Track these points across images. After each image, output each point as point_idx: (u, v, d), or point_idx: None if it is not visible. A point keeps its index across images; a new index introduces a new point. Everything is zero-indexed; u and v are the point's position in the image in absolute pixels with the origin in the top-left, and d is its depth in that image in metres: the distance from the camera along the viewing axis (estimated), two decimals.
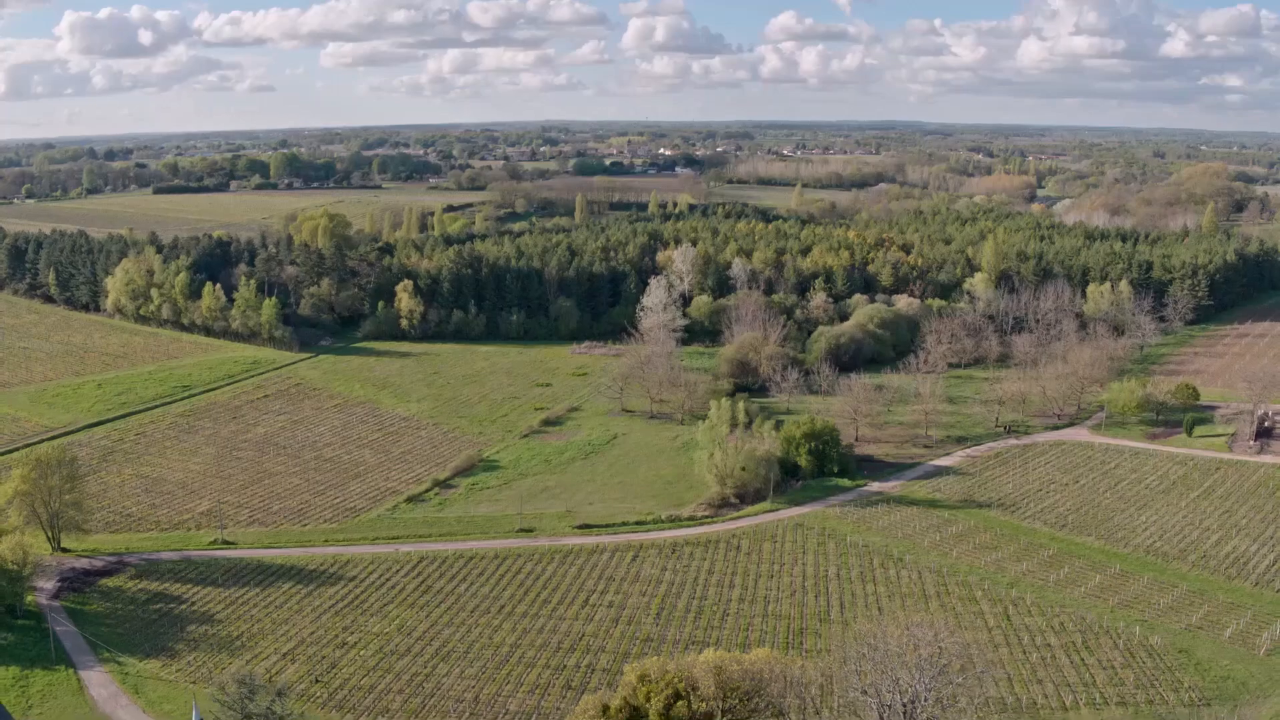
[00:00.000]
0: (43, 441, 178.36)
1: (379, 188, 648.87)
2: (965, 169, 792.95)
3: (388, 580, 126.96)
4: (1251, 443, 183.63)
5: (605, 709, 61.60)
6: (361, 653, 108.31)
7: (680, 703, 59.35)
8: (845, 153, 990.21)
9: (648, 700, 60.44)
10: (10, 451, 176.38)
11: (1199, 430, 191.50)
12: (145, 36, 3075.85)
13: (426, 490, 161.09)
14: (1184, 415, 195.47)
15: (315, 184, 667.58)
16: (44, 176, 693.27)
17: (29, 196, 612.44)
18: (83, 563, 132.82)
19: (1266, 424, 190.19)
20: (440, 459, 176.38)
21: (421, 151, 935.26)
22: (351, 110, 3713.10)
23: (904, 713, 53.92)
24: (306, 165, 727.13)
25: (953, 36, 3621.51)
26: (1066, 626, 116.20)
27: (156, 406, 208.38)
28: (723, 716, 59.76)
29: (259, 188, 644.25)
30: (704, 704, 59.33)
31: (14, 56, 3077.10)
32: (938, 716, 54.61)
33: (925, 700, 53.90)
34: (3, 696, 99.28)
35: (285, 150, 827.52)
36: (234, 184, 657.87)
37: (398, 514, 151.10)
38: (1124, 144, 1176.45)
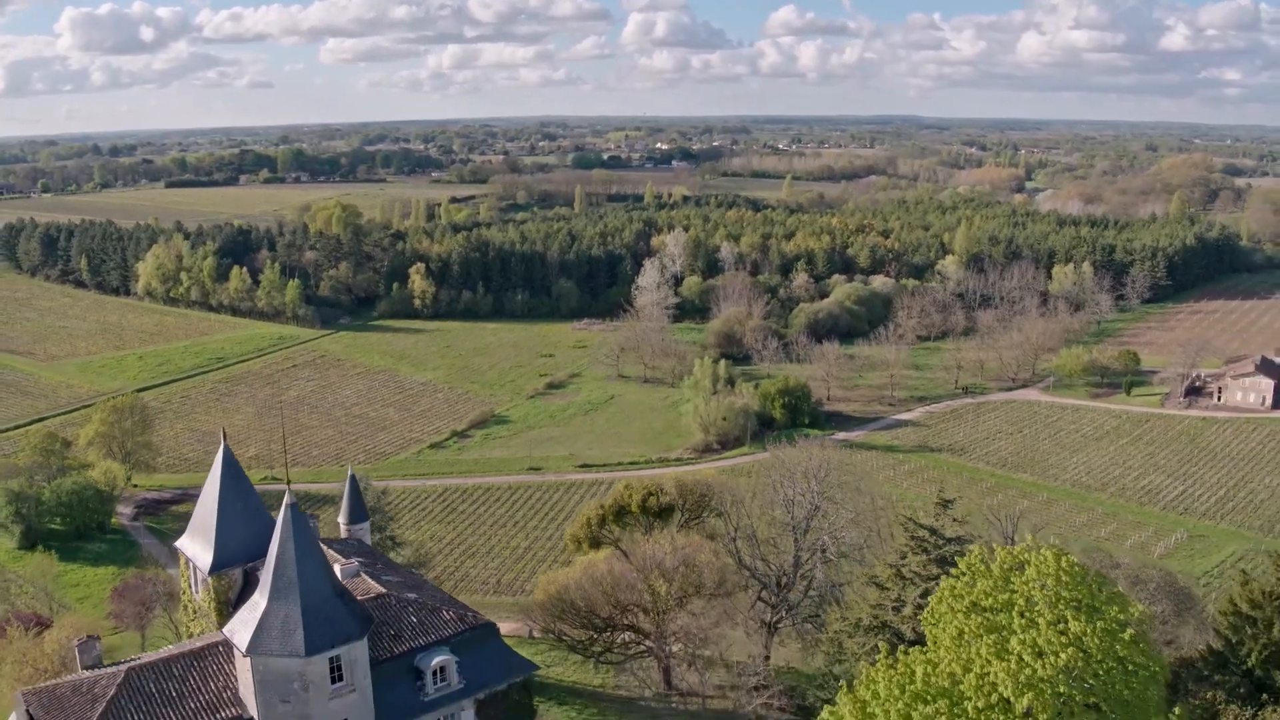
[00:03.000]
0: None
1: (383, 181, 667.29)
2: (956, 162, 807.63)
3: (418, 505, 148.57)
4: (1181, 399, 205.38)
5: (602, 506, 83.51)
6: (402, 553, 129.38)
7: (651, 498, 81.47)
8: (840, 147, 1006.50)
9: (629, 498, 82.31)
10: (70, 412, 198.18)
11: (1137, 390, 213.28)
12: (147, 33, 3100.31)
13: (446, 439, 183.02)
14: (1124, 378, 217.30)
15: (321, 178, 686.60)
16: (53, 172, 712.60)
17: (44, 191, 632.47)
18: (153, 494, 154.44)
19: (1197, 384, 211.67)
20: (456, 415, 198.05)
21: (422, 147, 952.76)
22: (350, 106, 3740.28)
23: (806, 510, 75.49)
24: (312, 160, 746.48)
25: (952, 31, 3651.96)
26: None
27: (195, 375, 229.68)
28: (682, 513, 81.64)
29: (267, 181, 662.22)
30: (668, 498, 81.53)
31: (14, 53, 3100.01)
32: (824, 506, 76.08)
33: (816, 495, 75.25)
34: (106, 587, 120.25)
35: (289, 145, 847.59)
36: (243, 178, 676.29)
37: (422, 457, 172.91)
38: (1119, 137, 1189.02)
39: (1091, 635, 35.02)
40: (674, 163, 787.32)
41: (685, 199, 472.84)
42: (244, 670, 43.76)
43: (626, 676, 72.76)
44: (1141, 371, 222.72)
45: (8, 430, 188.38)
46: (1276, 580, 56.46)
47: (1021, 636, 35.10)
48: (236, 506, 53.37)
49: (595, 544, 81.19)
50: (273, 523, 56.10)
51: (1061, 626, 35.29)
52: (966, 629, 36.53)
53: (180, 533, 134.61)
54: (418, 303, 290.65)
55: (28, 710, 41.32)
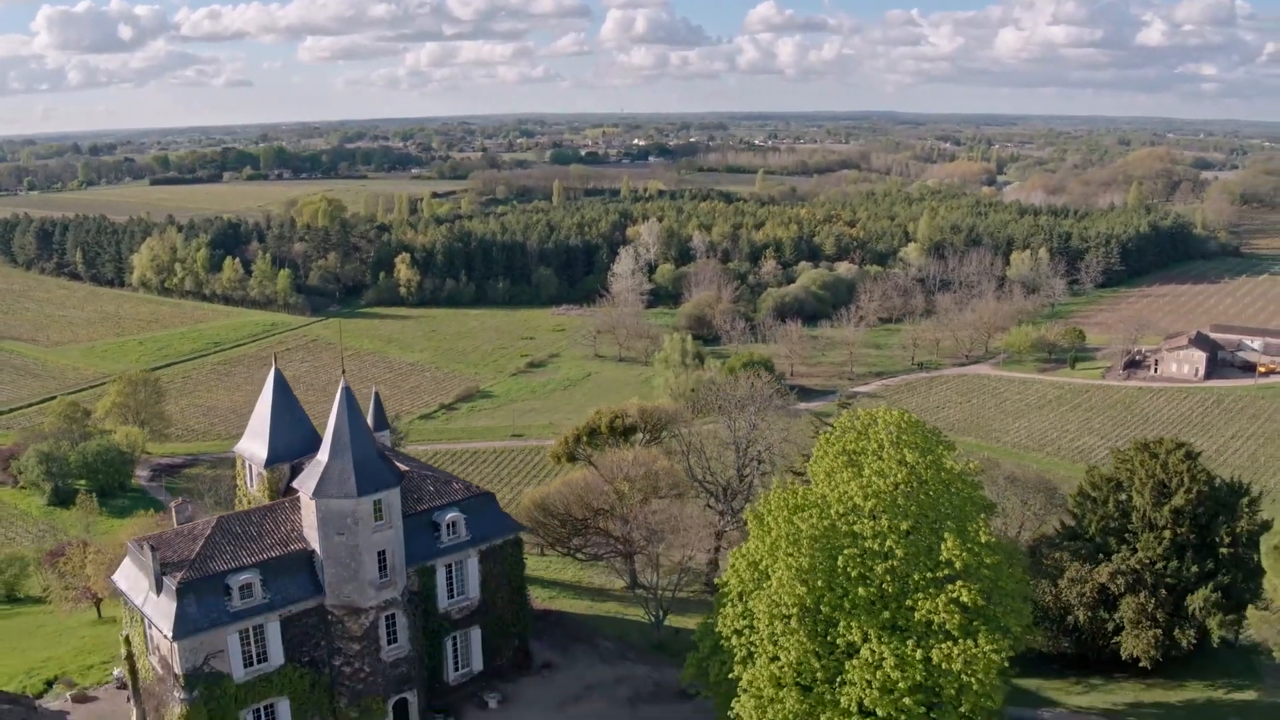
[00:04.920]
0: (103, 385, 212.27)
1: (364, 178, 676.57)
2: (930, 156, 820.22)
3: None
4: (1121, 372, 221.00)
5: (577, 428, 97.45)
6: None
7: (618, 420, 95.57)
8: (816, 142, 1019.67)
9: (600, 421, 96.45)
10: (78, 391, 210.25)
11: (1081, 365, 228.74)
12: (124, 31, 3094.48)
13: (434, 411, 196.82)
14: (1070, 353, 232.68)
15: (304, 175, 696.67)
16: (36, 170, 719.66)
17: (31, 188, 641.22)
18: (166, 460, 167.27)
19: (1137, 358, 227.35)
20: (443, 391, 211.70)
21: (402, 144, 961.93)
22: (329, 105, 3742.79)
23: (745, 430, 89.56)
24: (294, 157, 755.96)
25: (930, 27, 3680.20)
26: None
27: (194, 358, 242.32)
28: (644, 433, 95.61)
29: (250, 179, 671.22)
30: (631, 420, 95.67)
31: None
32: (759, 423, 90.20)
33: (752, 414, 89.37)
34: (136, 529, 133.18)
35: (269, 144, 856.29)
36: (226, 175, 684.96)
37: (413, 426, 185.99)
38: (1093, 132, 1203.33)
39: (922, 465, 49.07)
40: (651, 158, 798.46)
41: (660, 192, 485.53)
42: (309, 512, 57.28)
43: (599, 575, 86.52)
44: (1087, 348, 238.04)
45: (22, 408, 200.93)
46: (1113, 468, 70.87)
47: (872, 465, 49.15)
48: (285, 415, 66.96)
49: (572, 459, 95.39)
50: (312, 429, 69.94)
51: (900, 458, 49.36)
52: (834, 466, 50.63)
53: (196, 491, 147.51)
54: (403, 290, 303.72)
55: (150, 545, 54.53)
